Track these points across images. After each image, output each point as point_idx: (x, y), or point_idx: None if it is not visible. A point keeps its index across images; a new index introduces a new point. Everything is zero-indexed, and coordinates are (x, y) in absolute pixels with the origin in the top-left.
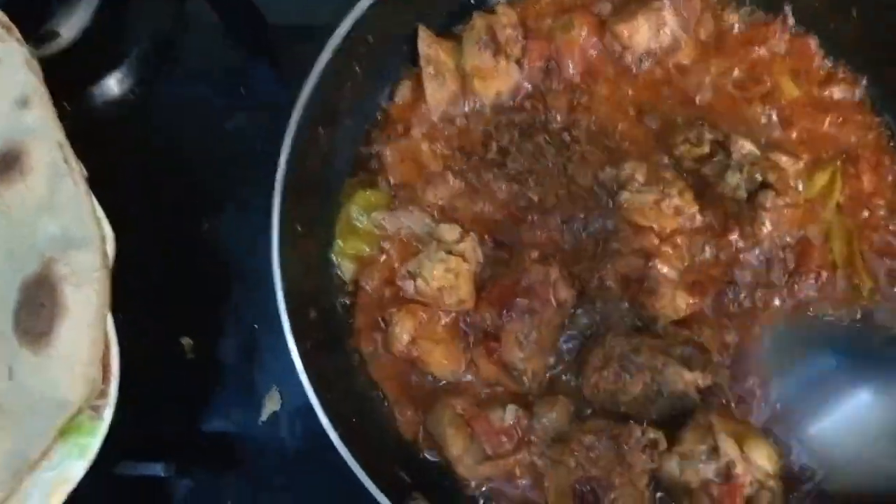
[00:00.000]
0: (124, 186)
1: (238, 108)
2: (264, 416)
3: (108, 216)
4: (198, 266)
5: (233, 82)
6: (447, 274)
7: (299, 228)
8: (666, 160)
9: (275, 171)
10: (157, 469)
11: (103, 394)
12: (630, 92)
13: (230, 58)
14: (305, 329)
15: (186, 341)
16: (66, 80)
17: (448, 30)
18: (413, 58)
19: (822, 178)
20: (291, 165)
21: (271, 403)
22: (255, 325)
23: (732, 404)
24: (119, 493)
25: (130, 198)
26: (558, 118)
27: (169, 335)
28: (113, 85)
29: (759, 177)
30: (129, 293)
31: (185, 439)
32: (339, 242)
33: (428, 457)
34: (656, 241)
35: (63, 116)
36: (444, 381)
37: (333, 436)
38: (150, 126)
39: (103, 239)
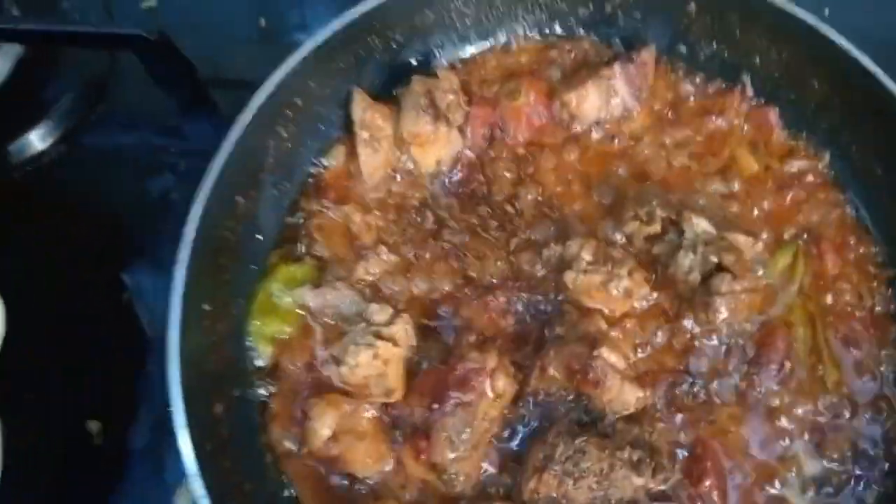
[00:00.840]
0: (32, 251)
1: (166, 167)
2: None
3: (7, 284)
4: (111, 341)
5: (164, 139)
6: (375, 361)
7: (207, 308)
8: (616, 237)
9: None
10: None
11: None
12: (579, 164)
13: (164, 113)
14: (207, 426)
15: (95, 425)
16: None
17: (386, 93)
18: (347, 122)
19: (783, 259)
20: (201, 237)
21: (184, 499)
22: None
23: None
24: None
25: (38, 265)
26: (502, 189)
27: (75, 418)
28: (34, 140)
29: (714, 259)
30: (30, 373)
31: None
32: (257, 322)
33: None
34: (604, 326)
35: None
36: (366, 485)
37: None
38: (71, 186)
39: None
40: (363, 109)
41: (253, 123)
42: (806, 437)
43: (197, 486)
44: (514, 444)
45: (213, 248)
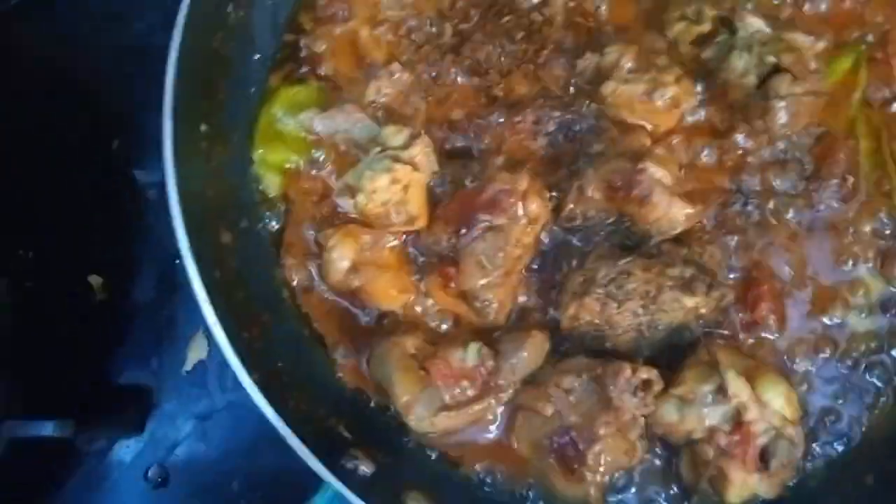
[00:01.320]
0: (14, 105)
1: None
2: (188, 366)
3: None
4: (106, 191)
5: None
6: (394, 186)
7: (204, 127)
8: (659, 42)
9: None
10: (48, 429)
11: None
12: None
13: None
14: (214, 254)
15: (95, 279)
16: None
17: None
18: None
19: (843, 64)
20: (188, 46)
21: (196, 350)
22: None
23: (741, 336)
24: (21, 457)
25: (23, 115)
26: None
27: (75, 273)
28: None
29: (771, 59)
30: (26, 226)
31: (94, 393)
32: (261, 150)
33: (374, 409)
34: (648, 142)
35: None
36: (391, 317)
37: (247, 382)
38: (42, 30)
39: None
40: None
41: None
42: (870, 255)
43: (208, 311)
44: (550, 270)
45: (205, 63)
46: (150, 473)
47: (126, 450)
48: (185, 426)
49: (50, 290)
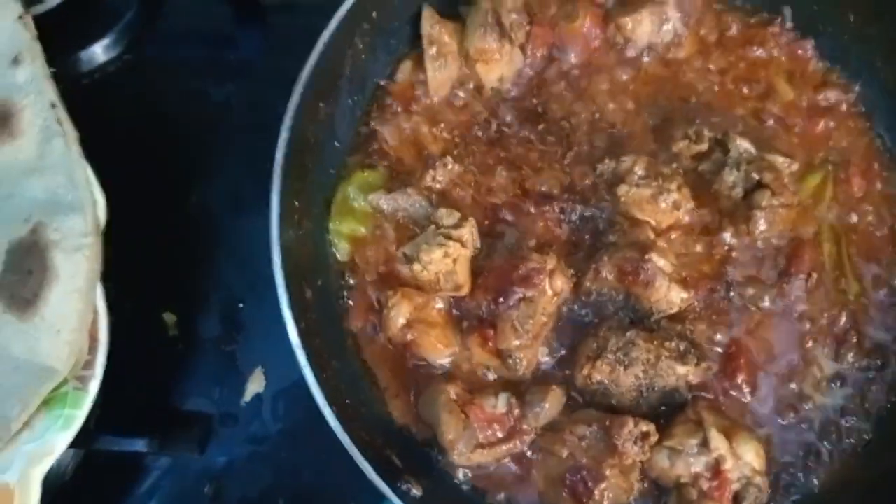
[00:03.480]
0: (108, 153)
1: (226, 77)
2: (247, 397)
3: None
4: (184, 238)
5: (221, 49)
6: (445, 259)
7: (297, 203)
8: (665, 154)
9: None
10: (139, 445)
11: (89, 364)
12: (630, 85)
13: (219, 24)
14: (302, 308)
15: (169, 317)
16: (50, 42)
17: (452, 10)
18: (416, 37)
19: (813, 181)
20: (293, 138)
21: (255, 384)
22: (241, 304)
23: (721, 399)
24: (93, 468)
25: (115, 165)
26: (558, 107)
27: (152, 310)
28: (99, 50)
29: (755, 176)
30: (112, 264)
31: (163, 416)
32: (336, 222)
33: (418, 442)
34: (652, 235)
35: None
36: (436, 367)
37: (328, 413)
38: (137, 92)
39: (94, 204)
40: (432, 25)
41: (337, 33)
42: (827, 340)
43: (300, 355)
44: (568, 335)
45: (301, 150)
46: (206, 489)
47: (187, 468)
48: (240, 449)
49: (128, 324)
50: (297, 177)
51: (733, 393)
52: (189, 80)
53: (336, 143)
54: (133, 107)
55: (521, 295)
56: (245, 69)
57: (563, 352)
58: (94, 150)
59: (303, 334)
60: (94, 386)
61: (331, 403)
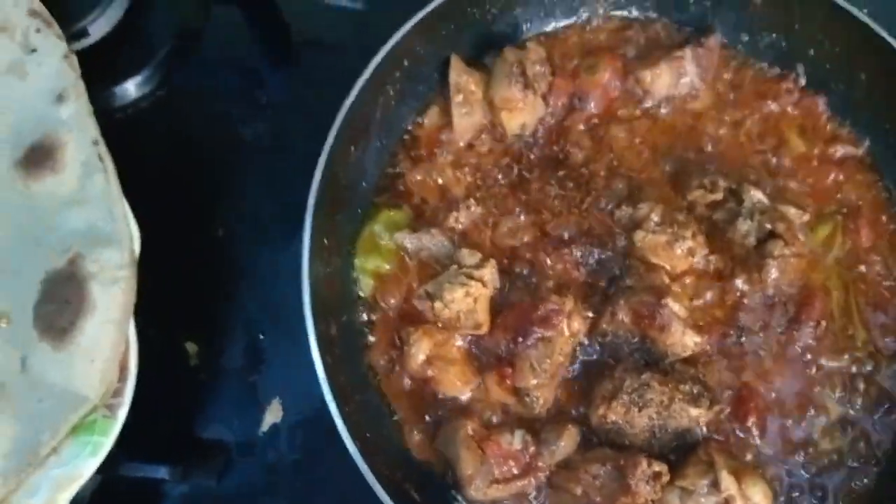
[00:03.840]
0: (140, 187)
1: (256, 114)
2: (265, 427)
3: None
4: (209, 270)
5: (252, 86)
6: (466, 298)
7: (326, 242)
8: (680, 202)
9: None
10: (162, 472)
11: (118, 392)
12: (648, 135)
13: (251, 61)
14: (327, 344)
15: (192, 346)
16: (90, 78)
17: (479, 59)
18: (443, 84)
19: (823, 231)
20: (325, 179)
21: (272, 415)
22: (261, 336)
23: (732, 441)
24: (111, 494)
25: (145, 198)
26: (578, 154)
27: (174, 339)
28: (132, 86)
29: (768, 226)
30: (140, 294)
31: (183, 444)
32: (361, 259)
33: (435, 476)
34: (667, 280)
35: None
36: (455, 403)
37: (351, 447)
38: (168, 127)
39: (131, 238)
40: (459, 74)
41: (370, 80)
42: (835, 386)
43: (326, 390)
44: (584, 376)
45: (331, 191)
46: None
47: (204, 496)
48: (256, 479)
49: (152, 353)
50: (327, 215)
51: (743, 435)
52: (219, 117)
53: (364, 184)
54: (163, 142)
55: (539, 335)
56: (274, 107)
57: (577, 390)
58: (127, 184)
59: (328, 369)
60: (122, 413)
61: (354, 438)
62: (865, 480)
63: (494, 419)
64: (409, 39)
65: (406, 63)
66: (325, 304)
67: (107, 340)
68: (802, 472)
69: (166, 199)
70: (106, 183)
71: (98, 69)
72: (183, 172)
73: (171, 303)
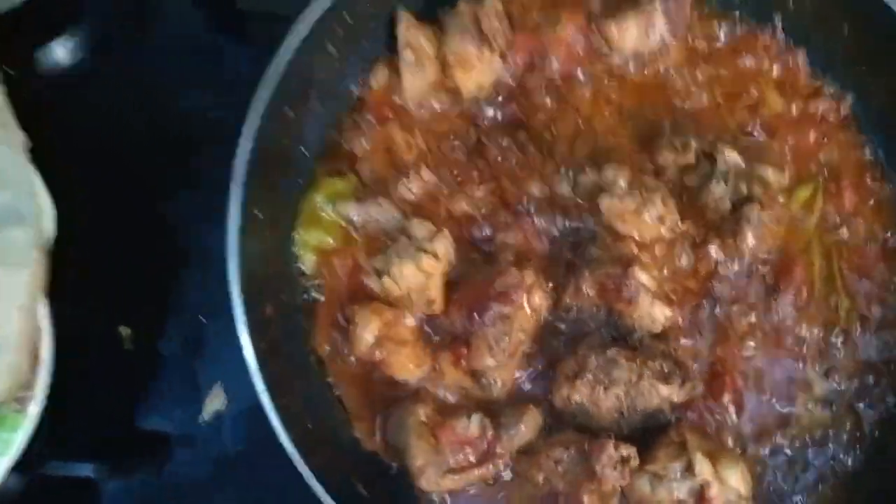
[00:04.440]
0: (69, 162)
1: (199, 85)
2: (206, 416)
3: (49, 192)
4: (143, 250)
5: (196, 57)
6: (418, 273)
7: (259, 215)
8: (649, 165)
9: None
10: (88, 470)
11: (30, 385)
12: (615, 94)
13: (197, 32)
14: (261, 326)
15: (125, 330)
16: (12, 42)
17: (430, 14)
18: (391, 42)
19: (804, 194)
20: (255, 145)
21: (215, 402)
22: (203, 319)
23: (706, 419)
24: (42, 493)
25: (75, 174)
26: (539, 116)
27: (106, 323)
28: (62, 52)
29: (743, 189)
30: (65, 275)
31: (119, 437)
32: (301, 232)
33: (386, 468)
34: (635, 249)
35: (5, 81)
36: (406, 388)
37: (287, 442)
38: (104, 98)
39: (40, 215)
40: (408, 30)
41: (307, 37)
42: (817, 359)
43: (257, 380)
44: (546, 354)
45: (264, 158)
46: None
47: (144, 490)
48: (199, 472)
49: (80, 338)
50: (260, 185)
51: (718, 414)
52: (160, 88)
53: (304, 151)
54: (98, 114)
55: (497, 312)
56: (219, 78)
57: (540, 370)
58: (52, 159)
59: (262, 354)
60: (34, 408)
61: (290, 430)
62: (851, 460)
63: (450, 401)
64: None
65: (348, 18)
66: (260, 283)
67: (13, 328)
68: (785, 452)
69: (99, 175)
70: (12, 155)
71: (20, 32)
72: (120, 146)
73: (101, 284)
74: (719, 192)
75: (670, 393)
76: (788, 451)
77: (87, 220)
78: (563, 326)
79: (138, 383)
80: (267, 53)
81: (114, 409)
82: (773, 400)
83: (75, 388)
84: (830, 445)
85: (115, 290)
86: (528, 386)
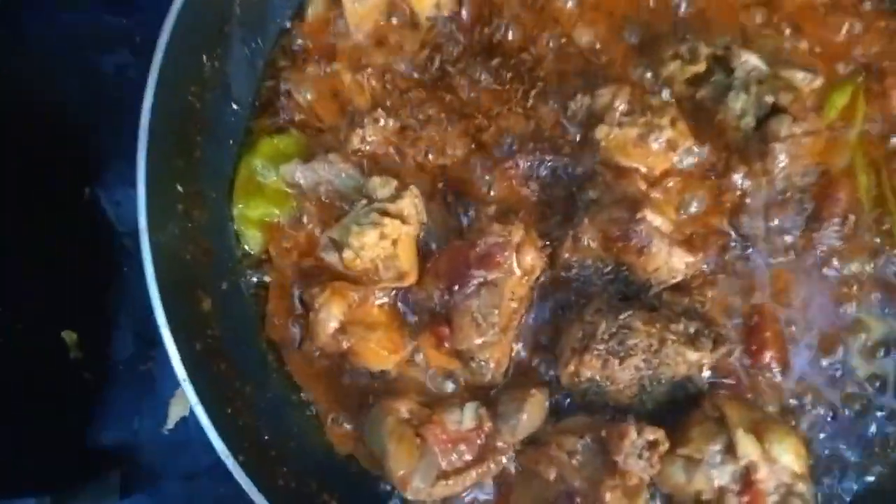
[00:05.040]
0: None
1: (116, 42)
2: (170, 424)
3: None
4: (79, 241)
5: (108, 9)
6: (382, 241)
7: (181, 189)
8: (653, 81)
9: None
10: None
11: None
12: None
13: None
14: (195, 325)
15: (69, 336)
16: None
17: None
18: None
19: (841, 99)
20: (162, 106)
21: (179, 406)
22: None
23: (747, 386)
24: None
25: None
26: (516, 33)
27: (47, 329)
28: None
29: (769, 99)
30: None
31: (69, 461)
32: (240, 206)
33: (366, 475)
34: (644, 186)
35: None
36: (383, 379)
37: (234, 467)
38: (12, 67)
39: None
40: None
41: None
42: (873, 296)
43: (189, 391)
44: (548, 323)
45: (180, 120)
46: None
47: None
48: (170, 487)
49: (21, 348)
50: (178, 156)
51: (761, 376)
52: (72, 51)
53: (234, 106)
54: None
55: (480, 279)
56: (139, 32)
57: (543, 343)
58: None
59: (196, 361)
60: None
61: (236, 449)
62: None
63: (439, 391)
64: None
65: None
66: (193, 273)
67: None
68: (842, 418)
69: (15, 158)
70: None
71: None
72: (37, 123)
73: (38, 285)
74: (740, 106)
75: (700, 358)
76: (850, 412)
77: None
78: (564, 289)
79: (89, 394)
80: None
81: (63, 427)
82: (822, 353)
83: (16, 408)
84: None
85: (56, 291)
86: (533, 361)
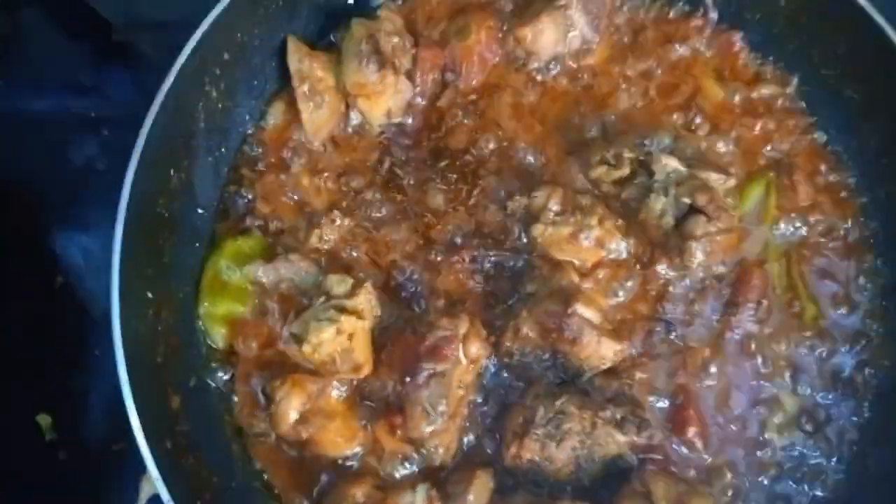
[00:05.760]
0: None
1: (86, 129)
2: (142, 502)
3: None
4: (51, 326)
5: (78, 97)
6: (339, 336)
7: (150, 294)
8: (583, 183)
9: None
10: None
11: None
12: (538, 105)
13: (76, 68)
14: (166, 423)
15: (44, 419)
16: None
17: (323, 38)
18: (283, 75)
19: (755, 193)
20: (135, 219)
21: (149, 485)
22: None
23: (672, 459)
24: None
25: None
26: (459, 138)
27: (21, 413)
28: None
29: (686, 200)
30: None
31: None
32: (206, 304)
33: None
34: (576, 279)
35: None
36: (342, 466)
37: None
38: None
39: None
40: (300, 59)
41: (177, 87)
42: (786, 374)
43: (162, 490)
44: (493, 407)
45: (149, 231)
46: None
47: None
48: None
49: None
50: (149, 263)
51: (685, 450)
52: (44, 140)
53: (200, 210)
54: None
55: (430, 371)
56: (108, 119)
57: (488, 426)
58: None
59: (168, 456)
60: None
61: None
62: (831, 479)
63: (395, 474)
64: (221, 29)
65: (227, 55)
66: (162, 373)
67: None
68: (759, 483)
69: None
70: None
71: None
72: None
73: (11, 371)
74: (660, 207)
75: (627, 441)
76: (766, 477)
77: None
78: (506, 374)
79: (65, 476)
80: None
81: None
82: (742, 426)
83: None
84: (808, 465)
85: (27, 376)
86: (480, 442)
